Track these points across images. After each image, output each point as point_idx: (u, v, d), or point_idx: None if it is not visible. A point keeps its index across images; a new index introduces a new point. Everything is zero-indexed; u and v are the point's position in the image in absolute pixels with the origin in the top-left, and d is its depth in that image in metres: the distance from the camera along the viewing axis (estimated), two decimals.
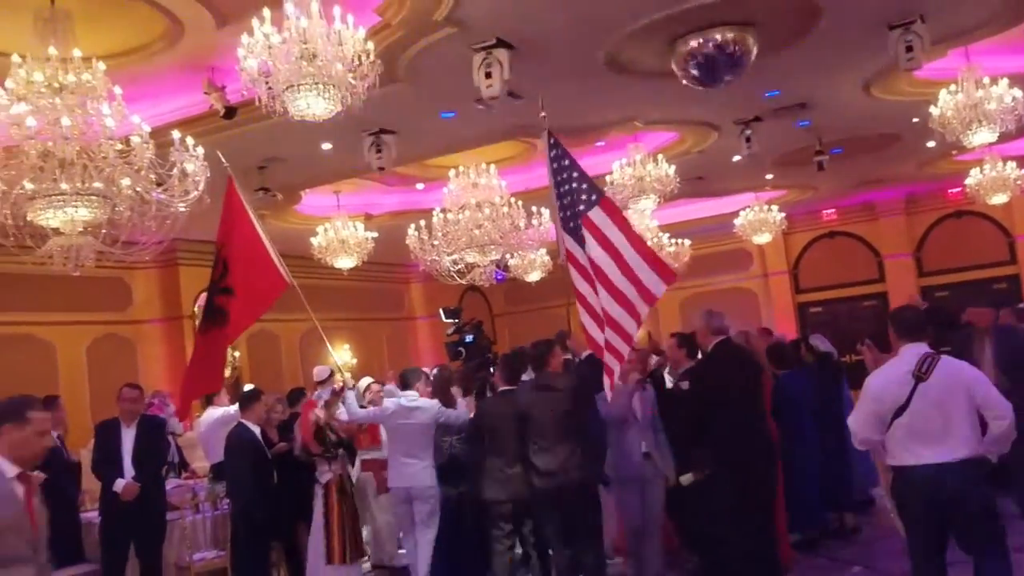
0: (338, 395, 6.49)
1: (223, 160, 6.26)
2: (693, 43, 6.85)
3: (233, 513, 6.31)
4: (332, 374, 7.85)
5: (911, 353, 4.07)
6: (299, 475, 6.44)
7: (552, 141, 5.22)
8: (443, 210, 10.21)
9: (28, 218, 5.56)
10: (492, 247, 10.09)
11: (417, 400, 6.37)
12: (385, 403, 6.58)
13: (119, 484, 6.14)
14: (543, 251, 13.39)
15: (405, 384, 6.56)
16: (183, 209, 5.72)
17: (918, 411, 3.94)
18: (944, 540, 4.08)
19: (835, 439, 7.01)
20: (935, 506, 3.96)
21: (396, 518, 6.86)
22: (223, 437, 6.58)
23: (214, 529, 6.64)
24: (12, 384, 9.78)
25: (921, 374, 3.96)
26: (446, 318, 8.00)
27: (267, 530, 6.27)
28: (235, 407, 7.13)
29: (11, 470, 3.16)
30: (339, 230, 10.92)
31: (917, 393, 3.94)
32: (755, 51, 7.07)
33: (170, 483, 7.08)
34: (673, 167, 9.71)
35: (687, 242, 13.13)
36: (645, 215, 11.83)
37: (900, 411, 3.97)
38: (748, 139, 9.65)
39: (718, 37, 6.86)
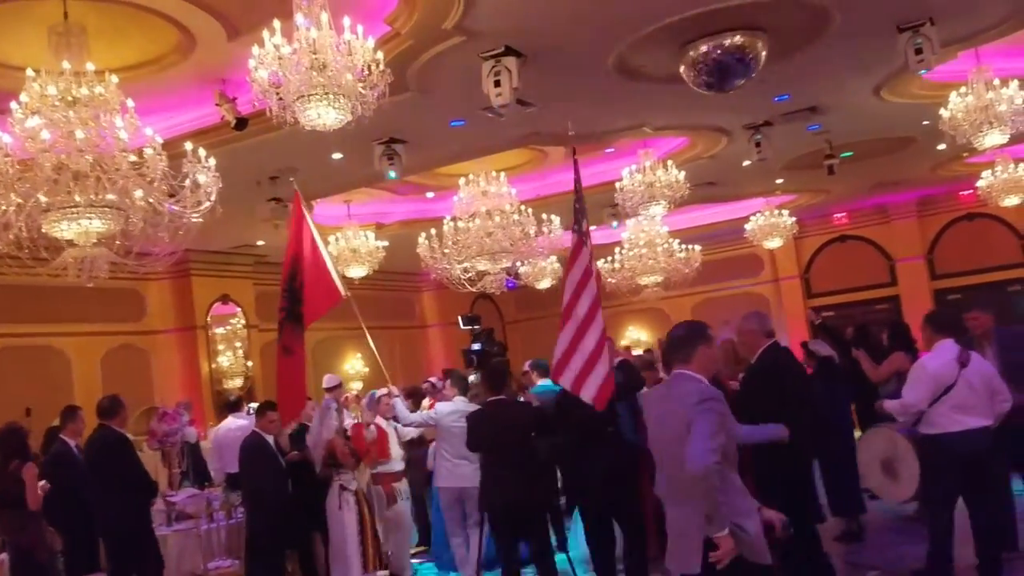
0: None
1: (294, 184, 7.06)
2: (703, 48, 6.84)
3: (248, 521, 6.31)
4: (340, 384, 7.89)
5: (948, 346, 5.26)
6: (312, 484, 6.44)
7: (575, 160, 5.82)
8: (453, 218, 10.23)
9: (43, 230, 5.60)
10: (503, 255, 10.10)
11: (472, 404, 6.52)
12: (437, 406, 6.78)
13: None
14: (553, 259, 13.39)
15: (461, 389, 6.86)
16: (196, 219, 5.75)
17: (962, 390, 5.12)
18: (959, 491, 5.27)
19: (840, 445, 6.97)
20: (970, 458, 5.11)
21: (446, 517, 6.96)
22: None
23: (228, 538, 6.65)
24: (28, 394, 9.92)
25: (964, 362, 5.17)
26: (464, 325, 8.12)
27: (283, 538, 6.27)
28: (250, 418, 7.17)
29: None
30: (350, 239, 10.98)
31: (961, 376, 5.13)
32: (765, 55, 7.06)
33: (185, 492, 7.11)
34: (683, 173, 9.71)
35: (697, 247, 13.08)
36: (655, 221, 11.84)
37: (948, 389, 5.12)
38: (758, 144, 9.64)
39: (727, 42, 6.85)
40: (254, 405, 8.45)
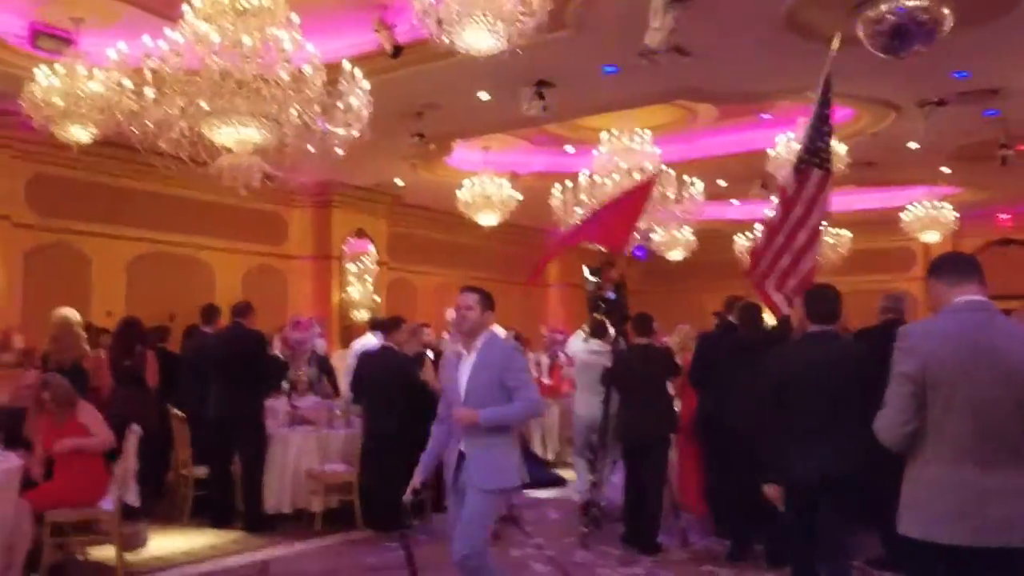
0: None
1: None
2: (883, 6, 6.36)
3: (367, 429, 6.61)
4: None
5: None
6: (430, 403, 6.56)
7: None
8: (591, 173, 10.07)
9: (203, 133, 5.84)
10: None
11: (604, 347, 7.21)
12: (570, 342, 7.87)
13: None
14: (688, 230, 13.03)
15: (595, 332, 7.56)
16: (347, 137, 5.87)
17: None
18: None
19: None
20: None
21: (577, 442, 7.76)
22: None
23: (345, 444, 6.90)
24: (172, 300, 10.51)
25: None
26: (590, 275, 8.25)
27: (403, 449, 6.38)
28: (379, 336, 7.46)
29: None
30: (485, 185, 10.99)
31: None
32: (949, 23, 6.50)
33: (309, 399, 7.45)
34: (844, 147, 9.15)
35: (847, 233, 12.37)
36: None
37: None
38: (930, 118, 8.93)
39: (910, 3, 6.34)
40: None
